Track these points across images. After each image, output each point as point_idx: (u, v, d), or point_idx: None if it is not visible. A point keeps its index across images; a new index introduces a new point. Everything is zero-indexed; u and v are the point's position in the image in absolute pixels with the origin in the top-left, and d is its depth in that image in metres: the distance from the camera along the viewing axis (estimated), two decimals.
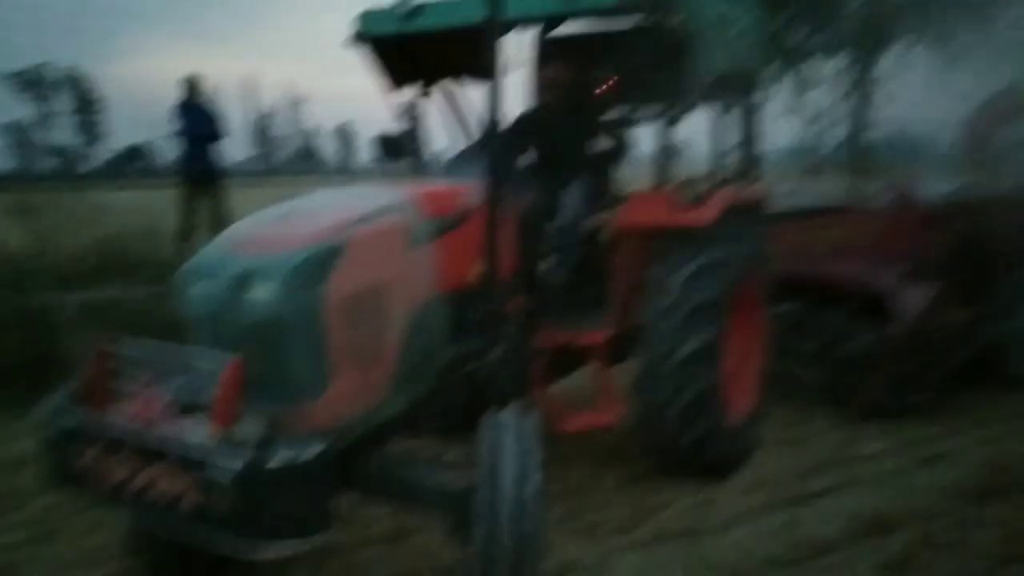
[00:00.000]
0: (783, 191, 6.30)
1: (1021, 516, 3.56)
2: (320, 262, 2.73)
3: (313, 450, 2.51)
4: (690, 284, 3.93)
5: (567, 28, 4.97)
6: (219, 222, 8.28)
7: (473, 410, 3.09)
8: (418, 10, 4.19)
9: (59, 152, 75.14)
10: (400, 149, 4.53)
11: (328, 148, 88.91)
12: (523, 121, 4.66)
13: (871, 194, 6.63)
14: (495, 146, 3.19)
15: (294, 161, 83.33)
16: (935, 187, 6.34)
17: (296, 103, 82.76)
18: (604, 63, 4.67)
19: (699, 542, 3.62)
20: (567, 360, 4.22)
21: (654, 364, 3.92)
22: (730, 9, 4.36)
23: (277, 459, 2.44)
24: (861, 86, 13.14)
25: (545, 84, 4.65)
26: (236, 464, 2.39)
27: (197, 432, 2.52)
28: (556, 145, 4.43)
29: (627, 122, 4.86)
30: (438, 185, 3.56)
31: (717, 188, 4.26)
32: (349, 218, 2.91)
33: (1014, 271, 5.64)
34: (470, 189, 3.40)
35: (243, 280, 2.68)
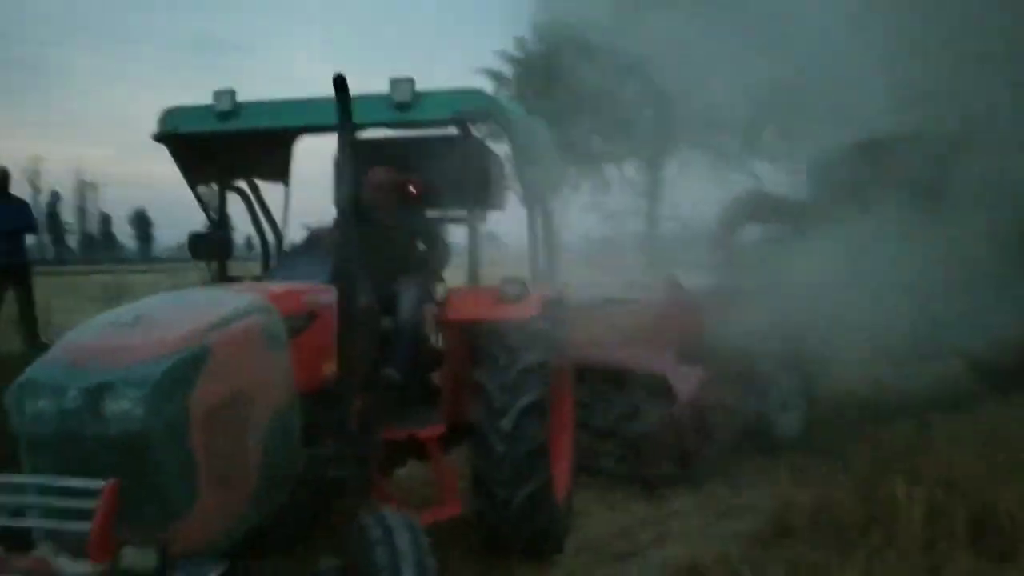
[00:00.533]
0: (579, 283, 6.87)
1: (805, 552, 4.23)
2: (185, 370, 2.58)
3: (211, 570, 2.42)
4: (518, 386, 3.99)
5: (381, 133, 5.04)
6: (30, 315, 7.94)
7: (318, 516, 3.17)
8: (235, 111, 4.17)
9: None
10: (211, 248, 4.54)
11: (124, 235, 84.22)
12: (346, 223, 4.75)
13: (649, 286, 7.18)
14: (347, 243, 3.25)
15: (87, 248, 77.94)
16: (701, 279, 7.03)
17: (85, 187, 78.06)
18: (423, 167, 4.74)
19: None
20: (403, 454, 4.27)
21: (490, 467, 3.96)
22: (539, 131, 4.90)
23: None
24: (651, 188, 14.69)
25: (373, 186, 4.63)
26: None
27: (70, 569, 2.36)
28: (385, 245, 4.44)
29: (445, 221, 5.09)
30: (285, 286, 3.47)
31: (533, 285, 4.45)
32: (208, 321, 2.77)
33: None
34: (314, 289, 3.40)
35: (97, 394, 2.50)
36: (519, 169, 4.61)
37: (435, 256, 4.73)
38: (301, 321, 3.23)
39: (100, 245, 79.77)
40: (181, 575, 2.35)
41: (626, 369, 5.85)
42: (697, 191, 13.62)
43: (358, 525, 2.72)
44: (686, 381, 5.68)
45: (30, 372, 2.63)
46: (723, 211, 8.00)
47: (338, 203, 3.53)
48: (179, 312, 2.90)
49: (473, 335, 4.26)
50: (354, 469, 3.31)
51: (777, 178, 9.48)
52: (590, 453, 5.67)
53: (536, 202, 4.85)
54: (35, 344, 8.22)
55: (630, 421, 5.70)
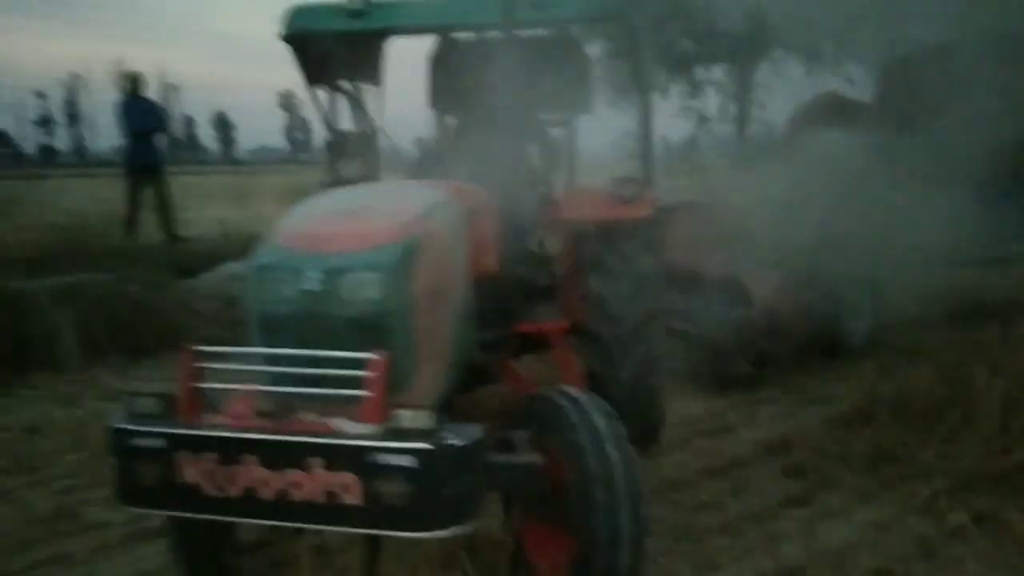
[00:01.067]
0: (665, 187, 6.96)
1: (884, 435, 4.68)
2: (410, 255, 2.77)
3: (475, 434, 2.55)
4: (634, 293, 4.08)
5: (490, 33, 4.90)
6: (166, 210, 8.72)
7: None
8: (367, 10, 4.19)
9: None
10: (351, 149, 4.58)
11: (206, 137, 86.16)
12: (465, 123, 4.75)
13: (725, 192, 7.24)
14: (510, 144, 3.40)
15: (173, 151, 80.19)
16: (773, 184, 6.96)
17: (168, 89, 79.93)
18: (524, 69, 4.65)
19: (644, 464, 4.56)
20: (523, 346, 4.35)
21: (605, 366, 4.07)
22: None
23: (453, 445, 2.47)
24: (741, 92, 14.61)
25: (484, 86, 4.49)
26: (418, 452, 2.40)
27: (351, 428, 2.53)
28: (500, 146, 4.43)
29: (551, 123, 5.07)
30: (458, 183, 3.57)
31: (646, 185, 4.43)
32: (419, 211, 2.95)
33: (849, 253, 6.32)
34: (475, 188, 3.55)
35: (337, 276, 2.68)
36: (640, 69, 4.60)
37: (546, 158, 4.80)
38: (476, 215, 3.37)
39: (185, 147, 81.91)
40: (451, 434, 2.48)
41: (702, 272, 6.07)
42: (788, 95, 13.50)
43: (549, 403, 2.89)
44: (762, 285, 5.95)
45: (265, 257, 2.79)
46: (793, 112, 7.94)
47: (498, 105, 3.65)
48: (390, 203, 3.09)
49: (585, 236, 4.30)
50: (497, 355, 3.53)
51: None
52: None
53: (648, 103, 4.79)
54: (173, 236, 9.08)
55: (706, 325, 5.88)
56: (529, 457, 2.75)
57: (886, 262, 6.50)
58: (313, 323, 2.68)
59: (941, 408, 4.67)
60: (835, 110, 7.92)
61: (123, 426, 2.57)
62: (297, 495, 2.45)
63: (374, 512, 2.42)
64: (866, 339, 6.63)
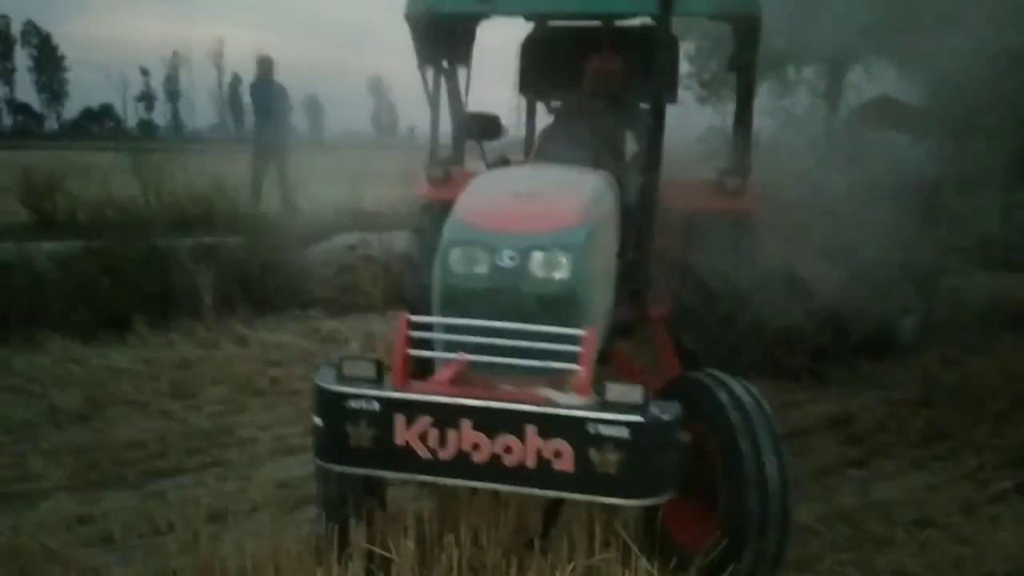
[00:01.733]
0: None
1: (940, 415, 5.12)
2: (590, 236, 3.00)
3: (677, 410, 2.67)
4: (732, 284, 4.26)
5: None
6: (286, 185, 9.63)
7: None
8: None
9: (21, 110, 73.66)
10: (490, 129, 4.62)
11: (297, 119, 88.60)
12: (571, 109, 4.75)
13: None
14: (656, 131, 3.42)
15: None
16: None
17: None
18: (621, 57, 4.73)
19: None
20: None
21: (704, 346, 4.26)
22: None
23: (662, 419, 2.59)
24: (831, 94, 14.77)
25: (597, 74, 4.66)
26: (632, 425, 2.51)
27: (563, 399, 2.66)
28: (608, 133, 4.49)
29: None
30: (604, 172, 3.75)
31: (748, 178, 4.55)
32: (590, 196, 3.21)
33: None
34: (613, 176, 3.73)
35: (529, 254, 2.89)
36: (752, 65, 4.55)
37: (644, 146, 4.91)
38: (618, 202, 3.57)
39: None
40: (657, 410, 2.61)
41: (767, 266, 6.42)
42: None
43: (698, 384, 2.99)
44: (823, 281, 6.07)
45: (457, 234, 3.01)
46: (849, 115, 8.02)
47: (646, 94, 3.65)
48: (563, 187, 3.31)
49: (689, 224, 4.39)
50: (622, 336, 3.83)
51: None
52: None
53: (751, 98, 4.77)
54: (290, 207, 9.97)
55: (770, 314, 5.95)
56: (680, 435, 2.74)
57: (935, 262, 6.74)
58: (503, 297, 2.88)
59: (994, 394, 5.08)
60: (888, 113, 8.03)
61: (338, 389, 2.67)
62: (509, 460, 2.57)
63: (585, 479, 2.55)
64: (917, 336, 6.84)
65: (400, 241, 8.64)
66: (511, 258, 2.90)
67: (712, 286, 4.29)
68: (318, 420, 2.72)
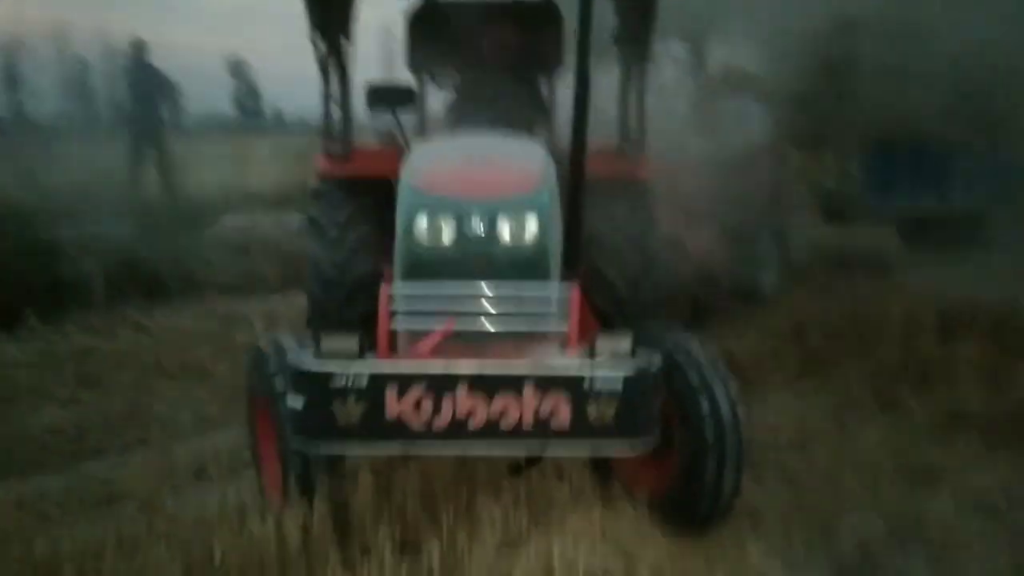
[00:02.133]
0: None
1: (811, 350, 5.70)
2: (552, 199, 3.09)
3: (658, 360, 2.76)
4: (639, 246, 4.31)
5: None
6: (168, 170, 9.43)
7: None
8: None
9: None
10: (403, 98, 4.50)
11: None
12: (477, 82, 4.72)
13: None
14: (582, 102, 3.31)
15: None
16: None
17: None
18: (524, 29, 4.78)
19: None
20: None
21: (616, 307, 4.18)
22: None
23: (650, 369, 2.69)
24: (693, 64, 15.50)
25: (497, 46, 4.72)
26: (625, 377, 2.59)
27: (555, 357, 2.74)
28: (520, 103, 4.56)
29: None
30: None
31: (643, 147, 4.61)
32: (542, 161, 3.25)
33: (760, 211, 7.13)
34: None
35: (496, 217, 2.93)
36: (648, 36, 4.51)
37: (543, 115, 4.81)
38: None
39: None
40: (644, 360, 2.70)
41: None
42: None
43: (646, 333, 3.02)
44: (696, 241, 6.44)
45: (418, 202, 3.00)
46: (704, 83, 8.21)
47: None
48: (513, 153, 3.35)
49: (592, 191, 4.52)
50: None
51: None
52: None
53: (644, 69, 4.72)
54: (171, 192, 9.76)
55: None
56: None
57: (786, 219, 7.37)
58: (472, 263, 2.91)
59: (855, 328, 5.72)
60: (738, 81, 8.38)
61: (322, 367, 2.58)
62: (506, 422, 2.57)
63: (581, 432, 2.60)
64: (776, 285, 7.37)
65: (291, 222, 8.70)
66: (481, 224, 2.93)
67: (624, 251, 4.32)
68: (296, 401, 2.63)
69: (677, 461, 2.99)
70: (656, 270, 4.53)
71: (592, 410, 2.59)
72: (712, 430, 2.94)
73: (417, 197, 3.05)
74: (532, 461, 3.21)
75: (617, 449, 2.70)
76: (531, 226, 2.97)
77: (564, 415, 2.59)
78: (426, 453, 2.78)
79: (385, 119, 4.74)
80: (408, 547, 2.57)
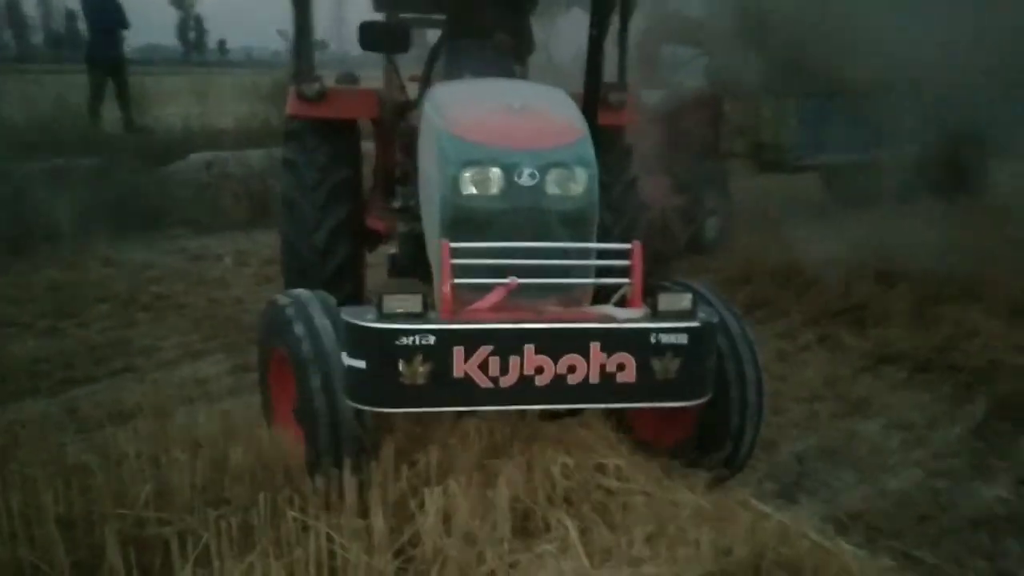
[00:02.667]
0: None
1: (759, 289, 6.11)
2: (594, 152, 2.99)
3: (715, 313, 2.83)
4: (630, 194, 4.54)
5: None
6: (126, 103, 9.34)
7: None
8: None
9: None
10: (400, 41, 4.38)
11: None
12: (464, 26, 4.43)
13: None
14: (598, 40, 3.39)
15: (54, 47, 75.14)
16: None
17: None
18: None
19: None
20: None
21: None
22: None
23: (712, 322, 2.72)
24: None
25: None
26: (689, 331, 2.63)
27: (620, 313, 2.70)
28: (503, 46, 4.33)
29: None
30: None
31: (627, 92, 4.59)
32: (577, 112, 3.16)
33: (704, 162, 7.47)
34: None
35: (547, 171, 2.82)
36: None
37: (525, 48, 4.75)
38: None
39: (66, 43, 76.66)
40: (704, 314, 2.76)
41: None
42: None
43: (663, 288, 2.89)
44: (654, 189, 6.69)
45: (464, 154, 2.84)
46: (644, 31, 8.19)
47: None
48: (549, 102, 3.21)
49: None
50: None
51: None
52: None
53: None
54: (131, 127, 9.70)
55: None
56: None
57: (725, 168, 7.69)
58: (521, 217, 2.82)
59: (797, 271, 6.14)
60: (676, 27, 8.60)
61: (387, 326, 2.50)
62: (573, 379, 2.56)
63: (646, 387, 2.62)
64: (721, 236, 7.62)
65: (256, 158, 8.79)
66: (531, 175, 2.82)
67: (616, 199, 4.41)
68: (357, 362, 2.54)
69: (697, 413, 2.97)
70: (641, 217, 4.72)
71: (657, 365, 2.62)
72: (736, 382, 2.96)
73: (463, 147, 2.88)
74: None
75: (680, 403, 2.73)
76: (581, 178, 2.89)
77: (630, 370, 2.60)
78: (491, 410, 2.74)
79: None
80: (406, 455, 2.84)
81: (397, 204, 4.29)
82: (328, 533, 2.37)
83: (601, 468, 2.80)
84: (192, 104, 10.24)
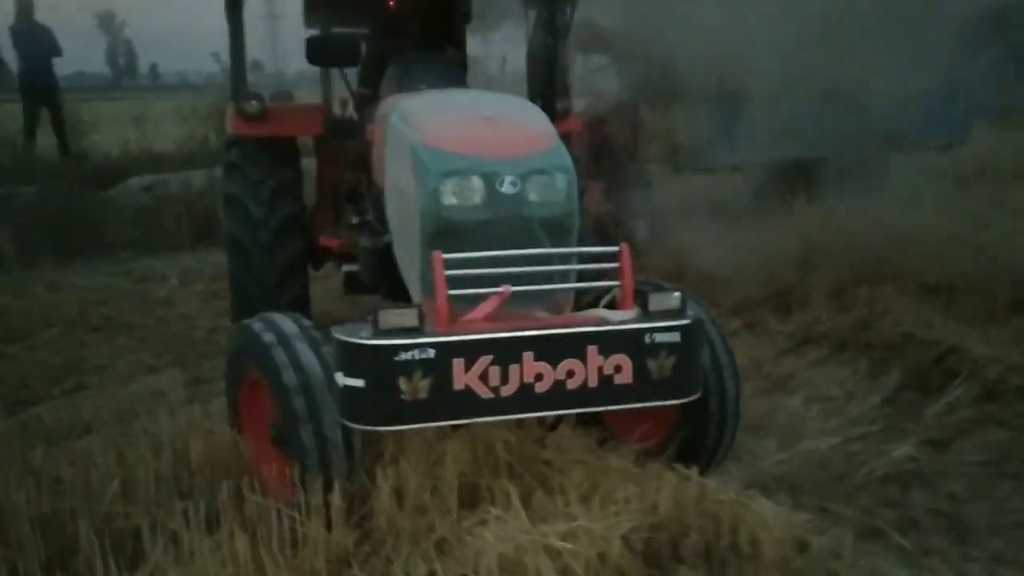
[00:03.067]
0: None
1: (689, 283, 6.43)
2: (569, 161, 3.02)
3: (701, 307, 2.93)
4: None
5: None
6: (61, 129, 9.37)
7: None
8: None
9: None
10: (350, 54, 4.34)
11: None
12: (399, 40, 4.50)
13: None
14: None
15: None
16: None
17: None
18: None
19: None
20: None
21: None
22: None
23: (702, 319, 2.79)
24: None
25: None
26: (682, 328, 2.67)
27: (613, 316, 2.73)
28: (442, 61, 4.43)
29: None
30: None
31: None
32: (547, 120, 3.19)
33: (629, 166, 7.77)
34: None
35: (527, 179, 2.84)
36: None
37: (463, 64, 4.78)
38: None
39: None
40: (692, 311, 2.80)
41: None
42: None
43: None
44: (588, 195, 6.55)
45: (445, 164, 2.82)
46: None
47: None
48: (519, 110, 3.27)
49: None
50: None
51: None
52: None
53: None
54: (67, 152, 9.70)
55: None
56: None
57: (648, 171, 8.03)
58: (502, 226, 2.82)
59: (720, 265, 6.45)
60: (590, 36, 8.59)
61: (385, 342, 2.43)
62: (572, 384, 2.57)
63: (643, 387, 2.65)
64: (650, 234, 7.76)
65: (197, 179, 8.88)
66: (512, 183, 2.83)
67: None
68: (354, 380, 2.47)
69: (676, 410, 3.00)
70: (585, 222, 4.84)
71: (652, 364, 2.65)
72: (714, 378, 3.02)
73: (441, 158, 2.86)
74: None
75: (675, 400, 2.78)
76: (561, 184, 2.92)
77: (627, 371, 2.62)
78: (493, 421, 2.70)
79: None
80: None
81: (354, 220, 4.21)
82: (289, 513, 2.57)
83: (540, 442, 3.03)
84: (129, 128, 10.27)
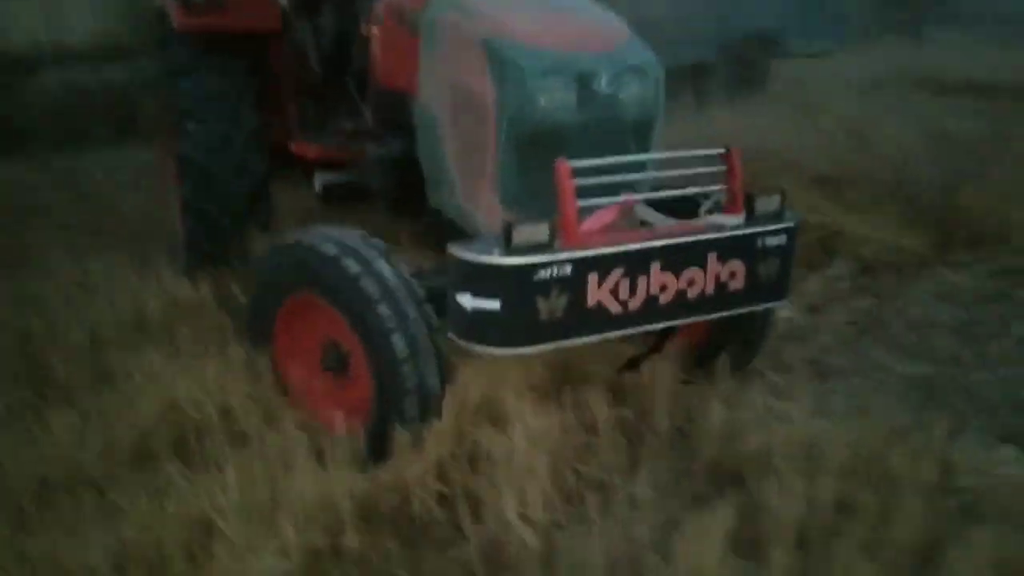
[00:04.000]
0: None
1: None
2: None
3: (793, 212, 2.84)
4: None
5: None
6: None
7: None
8: None
9: None
10: None
11: None
12: None
13: None
14: None
15: None
16: None
17: None
18: None
19: None
20: None
21: None
22: None
23: (799, 219, 2.77)
24: None
25: None
26: (788, 231, 2.67)
27: (728, 221, 2.65)
28: None
29: None
30: None
31: None
32: (614, 15, 2.96)
33: None
34: None
35: (622, 79, 2.66)
36: None
37: None
38: None
39: None
40: (791, 214, 2.78)
41: None
42: None
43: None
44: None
45: (535, 62, 2.55)
46: None
47: None
48: (583, 5, 3.00)
49: None
50: None
51: None
52: None
53: None
54: None
55: None
56: None
57: None
58: (600, 128, 2.66)
59: None
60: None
61: (524, 260, 2.28)
62: (692, 292, 2.54)
63: (752, 291, 2.65)
64: None
65: (114, 71, 8.62)
66: (609, 83, 2.65)
67: None
68: (488, 303, 2.31)
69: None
70: None
71: (761, 268, 2.64)
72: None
73: (532, 55, 2.58)
74: (641, 357, 3.22)
75: (777, 302, 2.81)
76: (651, 80, 2.76)
77: (740, 276, 2.61)
78: (620, 335, 2.61)
79: None
80: None
81: (348, 126, 3.80)
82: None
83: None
84: (37, 20, 9.77)
